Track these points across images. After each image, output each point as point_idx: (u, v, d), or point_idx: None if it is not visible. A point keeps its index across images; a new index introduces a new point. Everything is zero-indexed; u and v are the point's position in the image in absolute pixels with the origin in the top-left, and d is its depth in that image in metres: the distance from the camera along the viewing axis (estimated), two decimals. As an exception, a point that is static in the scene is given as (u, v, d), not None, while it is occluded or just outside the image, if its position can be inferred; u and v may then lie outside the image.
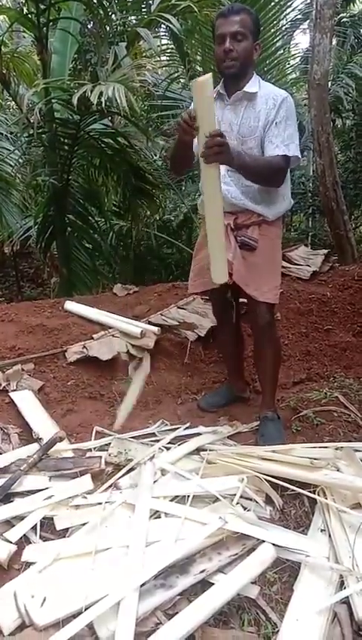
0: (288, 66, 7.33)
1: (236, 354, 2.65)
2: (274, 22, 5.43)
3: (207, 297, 2.82)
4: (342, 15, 7.67)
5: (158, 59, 5.61)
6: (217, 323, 2.62)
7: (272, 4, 5.18)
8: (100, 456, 2.02)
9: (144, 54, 5.02)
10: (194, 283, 2.39)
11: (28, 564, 1.56)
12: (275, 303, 2.27)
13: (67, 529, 1.69)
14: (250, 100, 2.07)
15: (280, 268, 2.36)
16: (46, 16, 3.75)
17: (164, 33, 5.40)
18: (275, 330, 2.40)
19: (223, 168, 2.01)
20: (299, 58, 7.64)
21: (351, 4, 8.40)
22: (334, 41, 7.28)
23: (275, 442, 2.10)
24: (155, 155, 5.58)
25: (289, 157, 2.04)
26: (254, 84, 2.08)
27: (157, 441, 2.17)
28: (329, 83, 5.74)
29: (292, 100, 2.08)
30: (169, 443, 2.16)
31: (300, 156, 2.09)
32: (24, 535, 1.66)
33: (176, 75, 5.78)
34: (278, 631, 1.39)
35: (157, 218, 6.15)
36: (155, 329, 2.96)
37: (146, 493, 1.79)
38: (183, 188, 6.74)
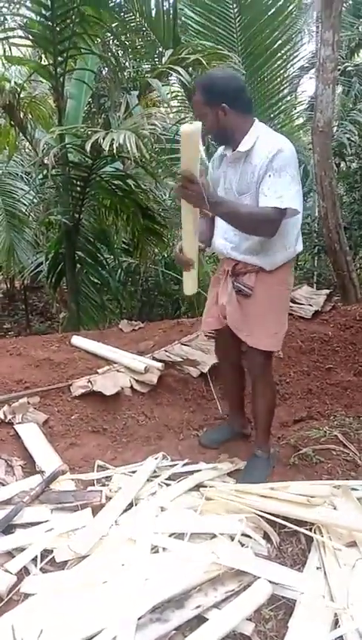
0: (295, 111, 7.64)
1: (237, 391, 2.68)
2: (281, 71, 5.72)
3: (211, 335, 2.87)
4: (346, 64, 7.99)
5: (168, 105, 5.86)
6: (219, 361, 2.69)
7: (279, 55, 5.48)
8: (101, 491, 2.05)
9: (155, 103, 5.26)
10: (205, 321, 2.46)
11: (27, 596, 1.59)
12: (269, 350, 2.26)
13: (67, 561, 1.72)
14: (247, 155, 2.06)
15: (284, 315, 2.27)
16: (63, 67, 3.97)
17: (174, 80, 5.68)
18: (269, 376, 2.37)
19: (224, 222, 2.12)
20: (306, 104, 7.93)
21: (355, 55, 8.74)
22: (339, 89, 7.57)
23: (254, 482, 2.12)
24: (165, 195, 5.76)
25: (282, 209, 1.97)
26: (248, 142, 2.05)
27: (158, 476, 2.21)
28: (334, 129, 5.96)
29: (290, 149, 2.01)
30: (169, 479, 2.19)
31: (298, 207, 2.00)
32: (24, 567, 1.70)
33: (185, 120, 6.03)
34: (272, 669, 1.41)
35: (165, 255, 6.29)
36: (159, 365, 3.02)
37: (147, 528, 1.82)
38: (191, 227, 6.90)
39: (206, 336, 3.23)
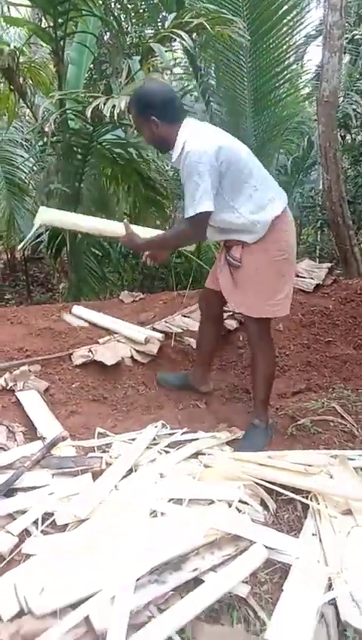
0: (301, 81, 7.46)
1: (205, 346, 2.76)
2: (287, 38, 5.56)
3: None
4: (355, 32, 7.77)
5: (171, 72, 5.73)
6: (201, 310, 2.76)
7: (284, 21, 5.32)
8: (101, 457, 2.08)
9: (157, 68, 5.14)
10: (209, 278, 2.61)
11: (28, 556, 1.62)
12: (261, 316, 2.32)
13: (67, 524, 1.75)
14: (178, 164, 2.17)
15: (278, 282, 2.29)
16: (63, 29, 3.87)
17: (177, 47, 5.54)
18: (266, 344, 2.40)
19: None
20: (312, 74, 7.74)
21: (365, 22, 8.49)
22: (347, 58, 7.37)
23: (252, 451, 2.14)
24: (167, 166, 5.67)
25: (192, 216, 2.08)
26: (175, 152, 2.15)
27: (157, 444, 2.23)
28: (340, 99, 5.84)
29: (195, 150, 2.04)
30: (168, 446, 2.22)
31: (206, 208, 2.05)
32: (25, 529, 1.72)
33: (188, 88, 5.91)
34: (266, 629, 1.44)
35: (167, 227, 6.24)
36: (159, 335, 3.03)
37: (146, 493, 1.85)
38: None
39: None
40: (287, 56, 5.67)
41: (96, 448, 2.22)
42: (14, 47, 4.27)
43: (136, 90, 2.26)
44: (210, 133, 2.15)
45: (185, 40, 3.34)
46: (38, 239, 5.44)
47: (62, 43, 3.96)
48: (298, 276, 3.77)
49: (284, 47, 5.51)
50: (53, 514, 1.77)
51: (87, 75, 5.31)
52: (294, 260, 2.36)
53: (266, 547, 1.64)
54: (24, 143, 5.57)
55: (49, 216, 2.47)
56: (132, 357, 2.96)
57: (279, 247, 2.23)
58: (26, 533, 1.71)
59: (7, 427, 2.27)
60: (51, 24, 3.79)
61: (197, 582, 1.54)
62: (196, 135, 2.10)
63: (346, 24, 4.95)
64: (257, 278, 2.26)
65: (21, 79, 4.25)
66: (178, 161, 2.15)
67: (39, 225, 2.46)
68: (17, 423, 2.34)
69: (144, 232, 2.52)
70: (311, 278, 3.76)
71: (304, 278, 3.74)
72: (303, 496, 1.86)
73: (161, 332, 3.10)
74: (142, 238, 2.40)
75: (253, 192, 2.16)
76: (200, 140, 2.06)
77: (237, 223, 2.18)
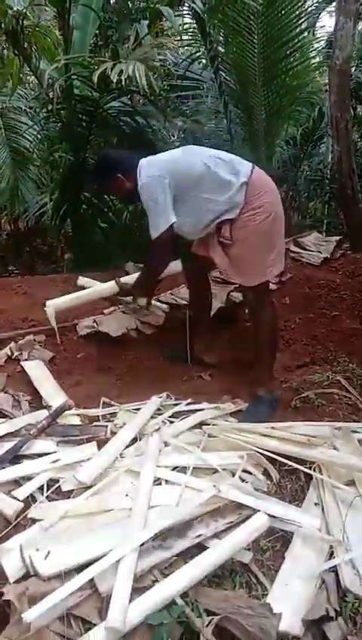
0: (312, 49, 7.23)
1: (201, 313, 2.86)
2: (299, 3, 5.37)
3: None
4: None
5: (180, 38, 5.56)
6: (187, 282, 2.91)
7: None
8: (106, 426, 2.09)
9: (165, 33, 4.98)
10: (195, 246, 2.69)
11: (34, 521, 1.64)
12: (259, 282, 2.41)
13: (72, 491, 1.77)
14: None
15: (266, 243, 2.38)
16: (70, -10, 3.75)
17: (186, 12, 5.36)
18: (266, 309, 2.49)
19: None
20: (324, 42, 7.49)
21: (380, -12, 8.18)
22: (361, 25, 7.13)
23: (255, 422, 2.16)
24: (173, 136, 5.56)
25: (157, 237, 2.31)
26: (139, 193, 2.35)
27: (161, 414, 2.24)
28: (353, 69, 5.66)
29: (145, 180, 2.31)
30: (173, 417, 2.23)
31: (166, 225, 2.29)
32: (31, 494, 1.75)
33: (197, 55, 5.74)
34: (268, 594, 1.47)
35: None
36: (164, 307, 3.02)
37: (151, 461, 1.86)
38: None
39: (212, 280, 3.21)
40: (299, 22, 5.48)
41: (101, 417, 2.23)
42: (17, 9, 4.15)
43: (96, 166, 2.63)
44: (154, 160, 2.38)
45: (195, 3, 3.23)
46: (42, 210, 5.38)
47: (67, 5, 3.83)
48: (305, 249, 3.74)
49: (297, 12, 5.33)
50: (58, 480, 1.79)
51: (92, 42, 5.15)
52: (281, 214, 2.43)
53: (269, 516, 1.65)
54: (28, 110, 5.45)
55: (56, 305, 2.74)
56: (137, 328, 2.96)
57: (263, 209, 2.32)
58: (31, 499, 1.73)
59: (13, 396, 2.29)
60: (58, -16, 3.67)
61: (200, 548, 1.57)
62: (144, 171, 2.34)
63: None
64: (250, 247, 2.36)
65: (25, 44, 4.13)
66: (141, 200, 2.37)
67: (53, 317, 2.74)
68: (23, 392, 2.35)
69: (133, 278, 2.77)
70: (319, 252, 3.73)
71: (312, 251, 3.70)
72: (306, 467, 1.87)
73: (166, 303, 3.08)
74: (131, 284, 2.70)
75: (216, 177, 2.31)
76: (146, 172, 2.32)
77: (220, 208, 2.33)
